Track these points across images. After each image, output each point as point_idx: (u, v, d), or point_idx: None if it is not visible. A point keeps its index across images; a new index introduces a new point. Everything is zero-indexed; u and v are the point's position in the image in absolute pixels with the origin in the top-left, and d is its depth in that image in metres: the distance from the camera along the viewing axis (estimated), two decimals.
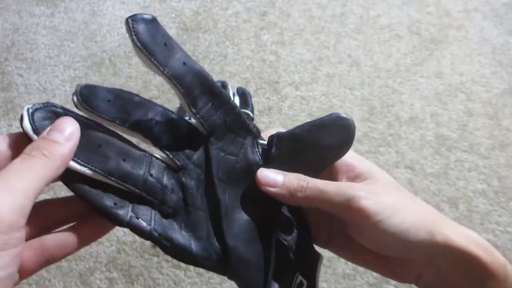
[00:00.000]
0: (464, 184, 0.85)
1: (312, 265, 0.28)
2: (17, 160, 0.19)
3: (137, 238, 0.27)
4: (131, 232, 0.24)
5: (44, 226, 0.23)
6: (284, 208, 0.28)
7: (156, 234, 0.24)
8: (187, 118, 0.27)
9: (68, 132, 0.20)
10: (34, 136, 0.20)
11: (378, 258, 0.27)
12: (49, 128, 0.20)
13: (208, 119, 0.25)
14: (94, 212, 0.23)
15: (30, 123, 0.20)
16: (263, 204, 0.26)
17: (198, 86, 0.24)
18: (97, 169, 0.22)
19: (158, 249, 0.26)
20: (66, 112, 0.22)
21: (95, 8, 1.14)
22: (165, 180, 0.25)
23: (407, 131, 0.92)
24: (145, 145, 0.25)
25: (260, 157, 0.27)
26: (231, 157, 0.26)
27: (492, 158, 0.88)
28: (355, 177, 0.27)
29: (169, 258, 0.25)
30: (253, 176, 0.26)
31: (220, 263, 0.26)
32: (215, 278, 0.73)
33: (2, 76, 1.00)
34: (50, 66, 1.02)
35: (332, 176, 0.28)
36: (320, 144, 0.26)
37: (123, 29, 0.98)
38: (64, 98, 0.97)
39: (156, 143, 0.24)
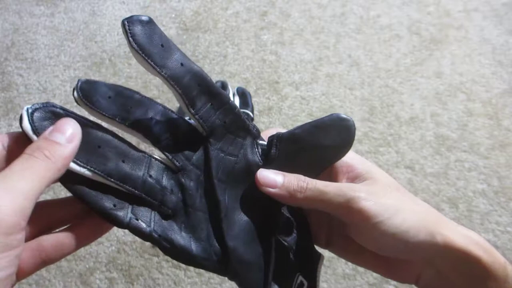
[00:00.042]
0: (464, 184, 0.85)
1: (312, 266, 0.28)
2: (19, 160, 0.19)
3: (137, 238, 0.27)
4: (131, 232, 0.24)
5: (41, 227, 0.23)
6: (284, 208, 0.28)
7: (155, 235, 0.24)
8: (187, 118, 0.27)
9: (69, 133, 0.20)
10: (34, 137, 0.20)
11: (378, 258, 0.27)
12: (50, 128, 0.20)
13: (207, 120, 0.25)
14: (91, 213, 0.23)
15: (30, 123, 0.20)
16: (263, 204, 0.26)
17: (196, 87, 0.24)
18: (96, 170, 0.22)
19: (158, 249, 0.26)
20: (66, 113, 0.22)
21: (95, 8, 1.14)
22: (165, 181, 0.25)
23: (407, 131, 0.92)
24: (145, 145, 0.25)
25: (259, 158, 0.27)
26: (231, 157, 0.26)
27: (492, 158, 0.88)
28: (355, 178, 0.27)
29: (169, 258, 0.25)
30: (253, 176, 0.26)
31: (220, 264, 0.26)
32: (215, 278, 0.73)
33: (2, 76, 1.00)
34: (50, 66, 1.02)
35: (332, 176, 0.28)
36: (320, 144, 0.26)
37: None
38: (64, 98, 0.97)
39: (156, 143, 0.24)
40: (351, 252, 0.29)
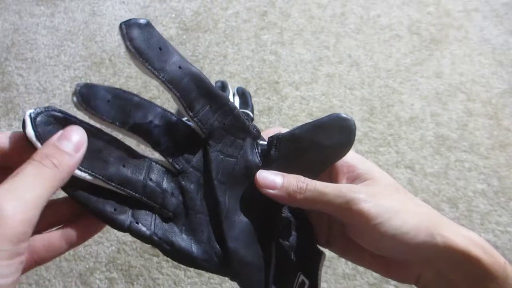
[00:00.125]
0: (464, 184, 0.85)
1: (314, 264, 0.28)
2: (28, 167, 0.19)
3: None
4: (131, 236, 0.24)
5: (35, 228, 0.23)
6: (285, 208, 0.28)
7: (156, 238, 0.24)
8: (185, 119, 0.27)
9: (77, 142, 0.20)
10: (38, 143, 0.20)
11: (378, 258, 0.27)
12: (58, 134, 0.20)
13: (206, 122, 0.25)
14: (82, 214, 0.24)
15: (33, 129, 0.20)
16: (263, 205, 0.26)
17: (194, 89, 0.24)
18: (97, 175, 0.22)
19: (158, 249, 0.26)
20: (68, 117, 0.22)
21: (95, 8, 1.14)
22: (165, 184, 0.25)
23: (407, 131, 0.92)
24: (144, 147, 0.25)
25: (259, 159, 0.27)
26: (230, 159, 0.26)
27: (492, 158, 0.88)
28: (355, 178, 0.27)
29: (169, 258, 0.25)
30: (253, 177, 0.26)
31: (221, 265, 0.26)
32: (215, 278, 0.73)
33: (2, 76, 1.00)
34: (50, 66, 1.02)
35: (332, 177, 0.28)
36: (320, 145, 0.26)
37: None
38: (64, 98, 0.97)
39: (155, 146, 0.24)
40: (351, 252, 0.29)
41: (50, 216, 0.23)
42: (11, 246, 0.17)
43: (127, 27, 0.22)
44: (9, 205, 0.17)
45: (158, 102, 0.95)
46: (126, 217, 0.23)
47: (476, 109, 0.96)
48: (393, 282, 0.72)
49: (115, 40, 1.06)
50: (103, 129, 0.23)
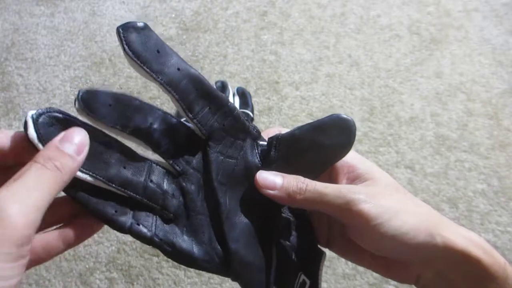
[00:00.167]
0: (464, 184, 0.85)
1: (314, 264, 0.28)
2: (31, 170, 0.19)
3: None
4: (132, 237, 0.24)
5: None
6: (285, 208, 0.28)
7: (157, 240, 0.24)
8: (183, 119, 0.27)
9: (79, 144, 0.20)
10: (39, 145, 0.20)
11: (378, 259, 0.27)
12: (60, 136, 0.20)
13: (206, 124, 0.25)
14: (80, 214, 0.24)
15: (35, 130, 0.20)
16: (263, 206, 0.26)
17: (193, 91, 0.24)
18: (98, 176, 0.22)
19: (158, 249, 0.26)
20: (69, 118, 0.22)
21: (95, 8, 1.14)
22: (166, 185, 0.25)
23: (407, 131, 0.92)
24: (145, 149, 0.25)
25: (259, 159, 0.27)
26: (230, 160, 0.26)
27: (492, 158, 0.88)
28: (356, 178, 0.27)
29: (170, 259, 0.25)
30: (253, 178, 0.26)
31: (222, 266, 0.26)
32: (215, 278, 0.73)
33: (2, 76, 1.00)
34: (50, 66, 1.02)
35: (332, 177, 0.28)
36: (320, 145, 0.26)
37: None
38: (64, 98, 0.97)
39: (156, 149, 0.25)
40: (351, 252, 0.29)
41: (48, 216, 0.24)
42: (16, 249, 0.17)
43: (124, 31, 0.22)
44: (13, 208, 0.17)
45: (158, 102, 0.95)
46: (127, 218, 0.23)
47: (476, 109, 0.96)
48: (393, 282, 0.72)
49: (115, 40, 1.06)
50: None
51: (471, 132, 0.92)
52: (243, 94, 0.93)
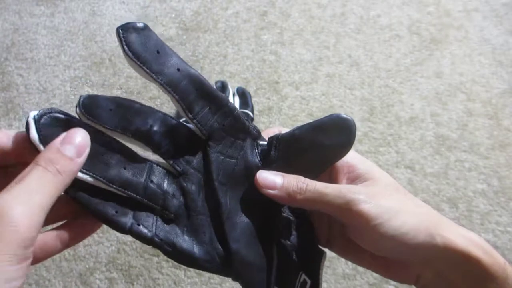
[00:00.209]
0: (464, 184, 0.85)
1: (315, 264, 0.28)
2: (33, 173, 0.19)
3: None
4: (133, 238, 0.24)
5: None
6: (285, 208, 0.28)
7: (158, 240, 0.24)
8: (183, 120, 0.27)
9: (79, 146, 0.21)
10: (41, 146, 0.20)
11: (378, 259, 0.27)
12: (61, 137, 0.20)
13: (206, 124, 0.25)
14: (78, 214, 0.24)
15: (37, 132, 0.20)
16: (264, 205, 0.26)
17: (193, 91, 0.24)
18: (98, 177, 0.22)
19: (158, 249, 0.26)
20: (70, 118, 0.22)
21: (95, 8, 1.14)
22: (166, 185, 0.25)
23: (407, 131, 0.92)
24: (145, 150, 0.25)
25: (259, 159, 0.27)
26: (230, 160, 0.26)
27: (492, 158, 0.88)
28: (356, 178, 0.27)
29: (171, 259, 0.25)
30: (253, 178, 0.26)
31: (223, 266, 0.26)
32: (215, 278, 0.73)
33: (2, 76, 1.00)
34: (50, 66, 1.02)
35: (332, 177, 0.28)
36: (320, 145, 0.26)
37: None
38: (64, 98, 0.97)
39: (157, 150, 0.25)
40: (351, 252, 0.29)
41: (47, 215, 0.24)
42: (21, 251, 0.17)
43: (124, 31, 0.22)
44: (17, 211, 0.17)
45: (158, 102, 0.95)
46: (127, 219, 0.23)
47: (476, 109, 0.96)
48: (393, 282, 0.72)
49: (115, 40, 1.05)
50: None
51: (471, 132, 0.92)
52: (243, 94, 0.93)
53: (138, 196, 0.23)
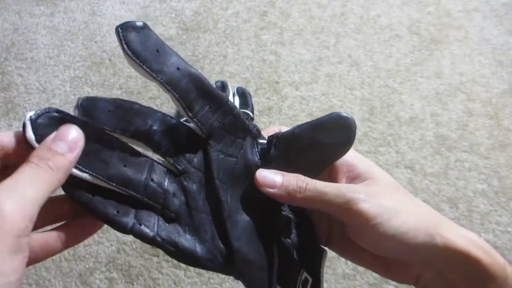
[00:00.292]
0: (464, 184, 0.85)
1: (316, 262, 0.28)
2: (25, 169, 0.19)
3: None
4: (134, 237, 0.24)
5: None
6: (285, 206, 0.28)
7: (159, 239, 0.24)
8: (183, 119, 0.27)
9: (71, 142, 0.20)
10: (37, 146, 0.20)
11: (378, 259, 0.27)
12: (52, 136, 0.20)
13: (206, 123, 0.25)
14: (79, 214, 0.23)
15: (34, 132, 0.20)
16: (264, 204, 0.26)
17: (193, 90, 0.24)
18: (97, 175, 0.22)
19: (158, 249, 0.26)
20: (68, 117, 0.22)
21: (95, 8, 1.14)
22: (167, 184, 0.25)
23: (407, 131, 0.92)
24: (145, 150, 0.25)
25: (259, 158, 0.27)
26: (231, 158, 0.26)
27: (492, 158, 0.88)
28: (355, 178, 0.27)
29: (169, 258, 0.25)
30: (253, 177, 0.26)
31: (225, 264, 0.26)
32: (215, 278, 0.73)
33: (2, 76, 1.00)
34: (50, 66, 1.02)
35: (332, 176, 0.28)
36: (320, 143, 0.26)
37: None
38: (64, 98, 0.97)
39: (157, 149, 0.25)
40: (351, 251, 0.29)
41: (47, 215, 0.24)
42: (12, 239, 0.17)
43: (123, 30, 0.22)
44: (7, 202, 0.17)
45: (158, 102, 0.95)
46: (128, 219, 0.23)
47: (476, 109, 0.96)
48: (393, 282, 0.72)
49: (115, 40, 1.05)
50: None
51: (471, 132, 0.92)
52: (243, 94, 0.93)
53: (138, 195, 0.23)
